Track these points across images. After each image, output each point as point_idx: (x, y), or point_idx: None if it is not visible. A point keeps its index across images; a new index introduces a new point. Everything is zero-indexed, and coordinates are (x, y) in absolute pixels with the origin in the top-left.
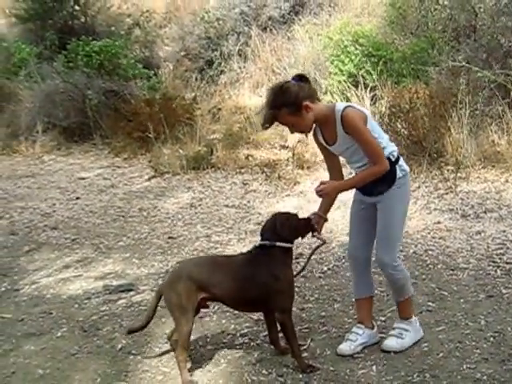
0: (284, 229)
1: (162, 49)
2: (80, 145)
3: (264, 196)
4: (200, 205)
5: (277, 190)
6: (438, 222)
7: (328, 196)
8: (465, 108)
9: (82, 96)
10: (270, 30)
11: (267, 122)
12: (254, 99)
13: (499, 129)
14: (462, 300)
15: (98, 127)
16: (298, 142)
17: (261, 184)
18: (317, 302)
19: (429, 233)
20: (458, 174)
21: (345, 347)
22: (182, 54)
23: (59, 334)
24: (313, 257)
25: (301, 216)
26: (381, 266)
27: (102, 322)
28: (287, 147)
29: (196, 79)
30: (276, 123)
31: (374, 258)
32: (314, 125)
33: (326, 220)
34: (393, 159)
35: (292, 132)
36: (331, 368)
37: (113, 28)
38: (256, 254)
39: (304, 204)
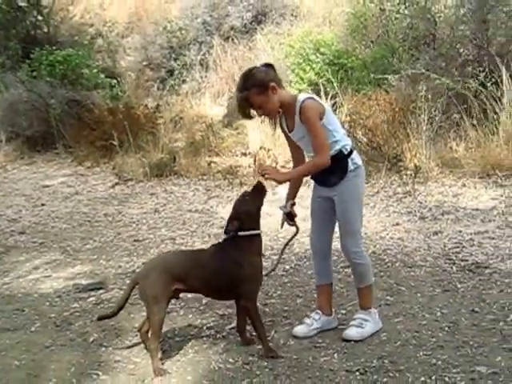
0: (242, 217)
1: (125, 58)
2: (43, 154)
3: (227, 201)
4: (164, 210)
5: (238, 195)
6: (397, 224)
7: (273, 179)
8: (424, 115)
9: (45, 105)
10: (232, 39)
11: (242, 104)
12: (215, 108)
13: (457, 136)
14: (418, 294)
15: (61, 136)
16: (260, 148)
17: (223, 190)
18: (280, 298)
19: (387, 234)
20: (417, 179)
21: (300, 329)
22: (145, 63)
23: (33, 329)
24: (274, 257)
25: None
26: (344, 252)
27: (74, 318)
28: (249, 154)
29: (158, 88)
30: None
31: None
32: (280, 112)
33: (293, 204)
34: (345, 152)
35: (260, 115)
36: (295, 356)
37: (76, 38)
38: (223, 244)
39: (267, 209)
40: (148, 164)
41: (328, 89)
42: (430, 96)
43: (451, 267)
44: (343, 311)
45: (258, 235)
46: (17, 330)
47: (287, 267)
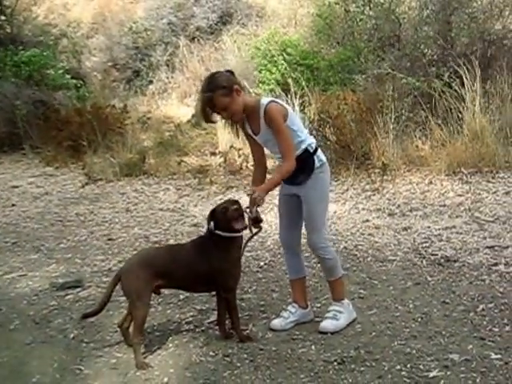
0: (219, 220)
1: (90, 59)
2: (10, 155)
3: (197, 200)
4: (135, 209)
5: (209, 194)
6: (367, 221)
7: (262, 200)
8: (390, 114)
9: (10, 106)
10: (198, 40)
11: (204, 105)
12: (182, 109)
13: (423, 134)
14: (391, 287)
15: (28, 137)
16: (231, 147)
17: (193, 189)
18: (255, 293)
19: (358, 230)
20: (384, 177)
21: (277, 323)
22: (110, 64)
23: (12, 327)
24: (249, 254)
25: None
26: (311, 247)
27: (53, 316)
28: (219, 153)
29: (124, 89)
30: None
31: None
32: (243, 115)
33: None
34: (311, 150)
35: (224, 118)
36: (273, 348)
37: (40, 38)
38: (201, 240)
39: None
40: (117, 164)
41: (295, 88)
42: (396, 95)
43: (421, 261)
44: (318, 304)
45: (236, 237)
46: None
47: (262, 264)
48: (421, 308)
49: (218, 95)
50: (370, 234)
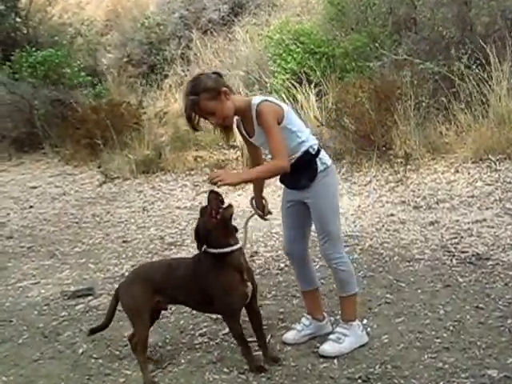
0: (205, 235)
1: (105, 56)
2: (30, 154)
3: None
4: (152, 208)
5: (228, 189)
6: (392, 215)
7: (227, 184)
8: (410, 100)
9: (29, 106)
10: (211, 32)
11: (189, 110)
12: None
13: (446, 120)
14: (419, 291)
15: (47, 136)
16: None
17: (211, 185)
18: (275, 299)
19: (383, 226)
20: (408, 167)
21: (289, 336)
22: (125, 60)
23: (21, 341)
24: (268, 254)
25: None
26: (325, 259)
27: (62, 328)
28: (236, 147)
29: (140, 84)
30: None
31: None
32: (237, 117)
33: (264, 199)
34: (313, 152)
35: (213, 124)
36: (292, 363)
37: (55, 38)
38: (197, 258)
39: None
40: (134, 161)
41: (311, 77)
42: (415, 81)
43: (451, 260)
44: (338, 316)
45: (232, 252)
46: (4, 342)
47: (282, 265)
48: (452, 314)
49: (204, 99)
50: (395, 230)
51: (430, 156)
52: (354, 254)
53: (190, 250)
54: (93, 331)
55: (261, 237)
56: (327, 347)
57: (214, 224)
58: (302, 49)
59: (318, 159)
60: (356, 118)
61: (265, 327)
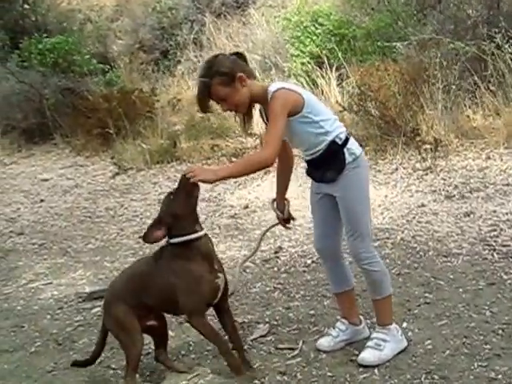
0: (168, 221)
1: (116, 42)
2: (41, 145)
3: (234, 187)
4: None
5: (247, 180)
6: (422, 205)
7: (203, 181)
8: (438, 83)
9: (38, 96)
10: (225, 15)
11: (200, 93)
12: None
13: (473, 103)
14: (461, 289)
15: (58, 126)
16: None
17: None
18: (304, 300)
19: (414, 217)
20: (436, 153)
21: (324, 342)
22: (137, 46)
23: (33, 350)
24: (293, 249)
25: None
26: (354, 258)
27: (77, 334)
28: (255, 135)
29: (153, 71)
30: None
31: None
32: (259, 106)
33: (287, 200)
34: (340, 142)
35: (224, 110)
36: (329, 373)
37: (64, 24)
38: (158, 252)
39: None
40: (148, 151)
41: (332, 61)
42: (443, 63)
43: (492, 254)
44: (375, 319)
45: (199, 239)
46: (16, 350)
47: (308, 261)
48: (500, 316)
49: (216, 83)
50: (427, 222)
51: (458, 142)
52: (384, 249)
53: None
54: (75, 364)
55: (283, 230)
56: (367, 355)
57: (183, 207)
58: (322, 30)
59: (345, 149)
60: (380, 102)
61: (296, 332)
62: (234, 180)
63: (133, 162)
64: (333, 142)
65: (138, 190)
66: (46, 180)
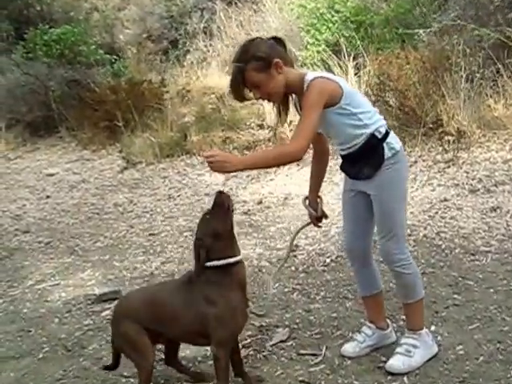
0: (206, 244)
1: (123, 32)
2: (46, 139)
3: (247, 182)
4: (179, 195)
5: (260, 174)
6: (445, 200)
7: (223, 170)
8: (460, 71)
9: (44, 88)
10: (236, 3)
11: (233, 79)
12: (223, 78)
13: (494, 92)
14: (491, 290)
15: (63, 119)
16: None
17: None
18: (325, 301)
19: (436, 212)
20: (458, 145)
21: (349, 348)
22: (144, 35)
23: (41, 356)
24: (310, 247)
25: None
26: (386, 261)
27: (87, 339)
28: (269, 127)
29: (161, 61)
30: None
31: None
32: (295, 96)
33: (320, 198)
34: (379, 136)
35: (257, 98)
36: (355, 382)
37: (71, 14)
38: (187, 278)
39: (292, 188)
40: (157, 144)
41: (348, 49)
42: (467, 50)
43: None
44: (402, 322)
45: (236, 264)
46: (23, 357)
47: (327, 260)
48: None
49: (251, 69)
50: (452, 218)
51: (480, 132)
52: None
53: None
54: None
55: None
56: (396, 362)
57: (225, 228)
58: (338, 18)
59: (385, 144)
60: (400, 92)
61: (318, 336)
62: (247, 173)
63: (142, 155)
64: (372, 136)
65: (147, 185)
66: (52, 175)
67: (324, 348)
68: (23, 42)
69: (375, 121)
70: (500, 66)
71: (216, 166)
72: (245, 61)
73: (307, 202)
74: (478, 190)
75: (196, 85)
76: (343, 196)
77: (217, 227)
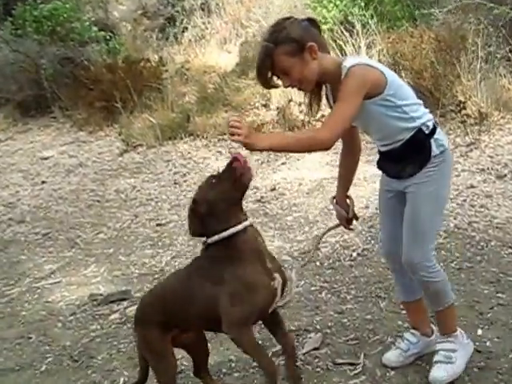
0: (209, 212)
1: (117, 8)
2: (38, 119)
3: (257, 166)
4: (185, 181)
5: (269, 157)
6: (472, 186)
7: (242, 143)
8: (478, 51)
9: (35, 66)
10: None
11: (260, 62)
12: (223, 56)
13: (508, 72)
14: None
15: (56, 98)
16: (290, 101)
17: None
18: (357, 301)
19: (465, 200)
20: (478, 127)
21: (392, 357)
22: (140, 12)
23: (43, 368)
24: (333, 239)
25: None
26: (410, 267)
27: (95, 347)
28: (277, 108)
29: (157, 38)
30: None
31: None
32: (326, 86)
33: (350, 198)
34: (427, 131)
35: (286, 86)
36: None
37: None
38: (192, 262)
39: (304, 172)
40: (158, 125)
41: (357, 27)
42: (484, 29)
43: None
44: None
45: (243, 231)
46: (22, 369)
47: (354, 254)
48: None
49: (281, 52)
50: (482, 206)
51: (499, 114)
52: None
53: None
54: None
55: (317, 215)
56: (439, 373)
57: (228, 198)
58: None
59: (432, 140)
60: (415, 72)
61: (354, 342)
62: (256, 157)
63: (142, 137)
64: (419, 131)
65: (149, 170)
66: (47, 158)
67: (362, 356)
68: (12, 18)
69: (422, 114)
70: None
71: (238, 138)
72: (275, 42)
73: (335, 201)
74: (506, 175)
75: (195, 63)
76: (380, 196)
77: (219, 195)
